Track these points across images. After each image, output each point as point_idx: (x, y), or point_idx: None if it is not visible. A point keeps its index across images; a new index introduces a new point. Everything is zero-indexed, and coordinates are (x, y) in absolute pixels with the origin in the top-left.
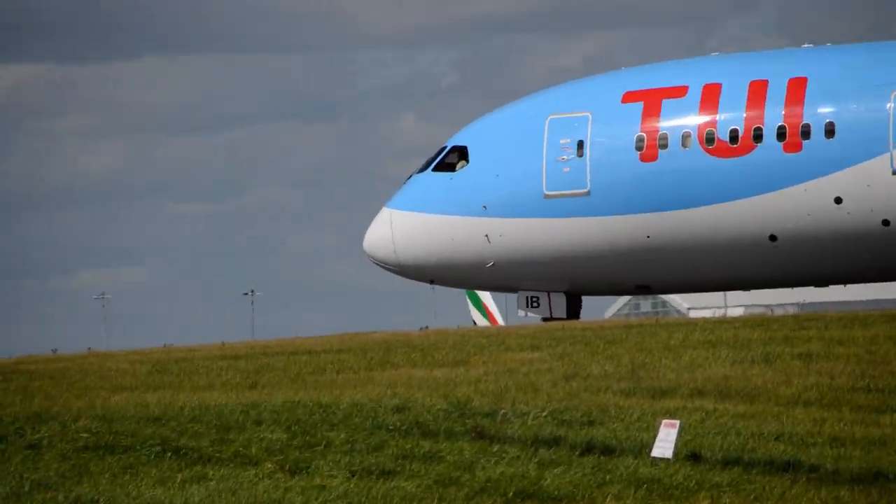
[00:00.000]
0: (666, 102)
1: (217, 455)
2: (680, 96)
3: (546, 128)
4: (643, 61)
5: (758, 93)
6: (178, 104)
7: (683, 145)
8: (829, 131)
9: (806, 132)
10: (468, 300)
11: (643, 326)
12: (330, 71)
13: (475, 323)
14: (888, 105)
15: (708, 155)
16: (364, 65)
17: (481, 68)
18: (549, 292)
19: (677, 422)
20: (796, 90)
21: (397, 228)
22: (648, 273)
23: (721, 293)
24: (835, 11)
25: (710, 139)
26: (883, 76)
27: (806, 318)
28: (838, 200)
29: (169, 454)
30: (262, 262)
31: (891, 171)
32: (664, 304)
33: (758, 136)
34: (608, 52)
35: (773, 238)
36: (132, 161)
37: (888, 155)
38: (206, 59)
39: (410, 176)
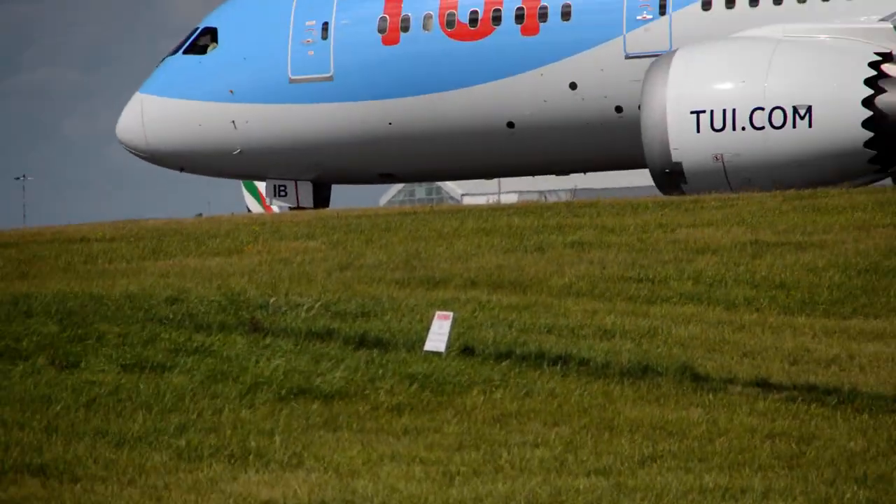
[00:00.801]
0: None
1: None
2: None
3: (293, 9)
4: None
5: None
6: None
7: (425, 28)
8: (566, 13)
9: (543, 14)
10: (243, 187)
11: (417, 214)
12: None
13: (250, 210)
14: None
15: (448, 38)
16: None
17: None
18: (296, 181)
19: (450, 314)
20: None
21: (148, 114)
22: (392, 161)
23: (495, 180)
24: None
25: (450, 22)
26: None
27: (579, 205)
28: (573, 86)
29: None
30: (35, 147)
31: (623, 55)
32: (438, 190)
33: (497, 18)
34: None
35: (510, 125)
36: None
37: (621, 38)
38: None
39: (164, 59)
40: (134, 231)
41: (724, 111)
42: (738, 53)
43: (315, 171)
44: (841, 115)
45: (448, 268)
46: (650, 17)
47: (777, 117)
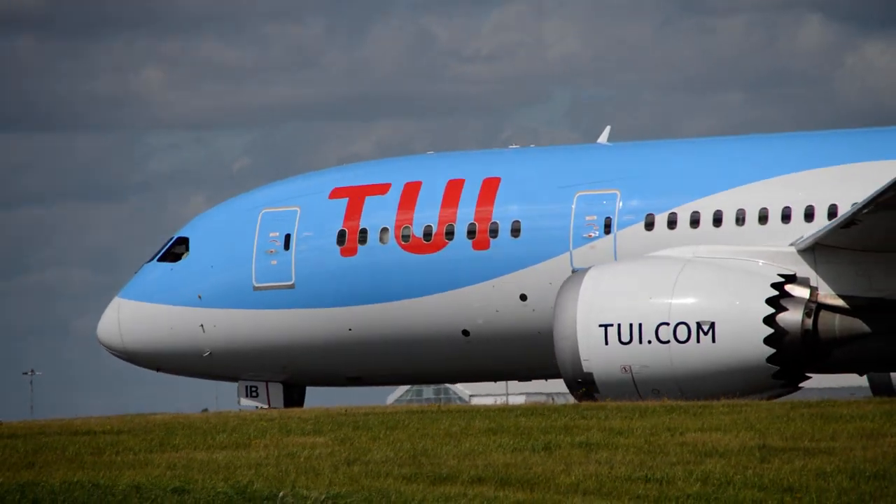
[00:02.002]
0: (369, 199)
1: None
2: (382, 193)
3: (258, 221)
4: (435, 148)
5: (454, 191)
6: None
7: (381, 241)
8: (516, 230)
9: (494, 231)
10: None
11: (425, 413)
12: (121, 152)
13: (257, 407)
14: (571, 206)
15: (403, 251)
16: (156, 147)
17: (273, 153)
18: (266, 382)
19: None
20: (489, 190)
21: (124, 317)
22: (355, 365)
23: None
24: (622, 106)
25: (405, 236)
26: (570, 178)
27: (586, 408)
28: (523, 297)
29: None
30: (44, 343)
31: (571, 269)
32: (446, 390)
33: (450, 233)
34: (402, 139)
35: (465, 333)
36: None
37: (568, 254)
38: None
39: (142, 265)
40: (141, 424)
41: (631, 325)
42: (646, 271)
43: (284, 373)
44: (743, 331)
45: (455, 465)
46: (596, 234)
47: (682, 332)
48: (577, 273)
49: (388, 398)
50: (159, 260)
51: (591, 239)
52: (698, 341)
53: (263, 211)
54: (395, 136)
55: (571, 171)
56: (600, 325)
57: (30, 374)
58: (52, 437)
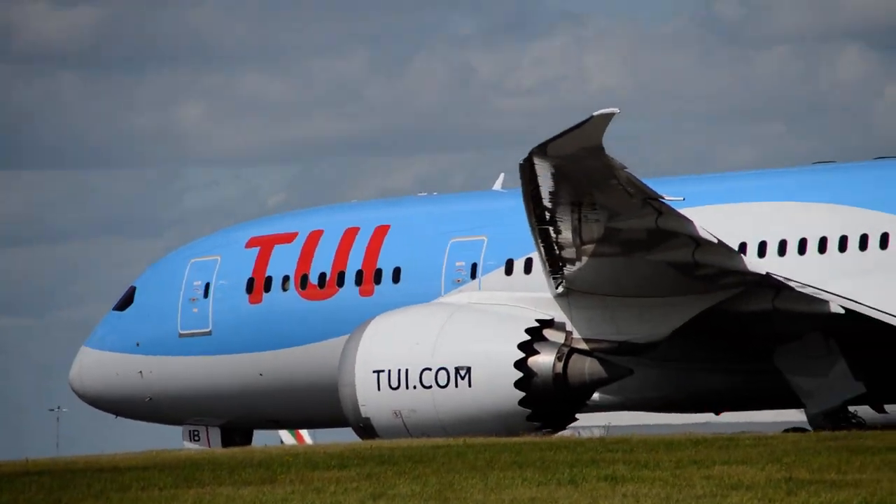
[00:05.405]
0: (277, 248)
1: None
2: (289, 242)
3: (187, 270)
4: (470, 185)
5: (349, 239)
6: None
7: (283, 288)
8: (396, 277)
9: (378, 277)
10: None
11: (450, 447)
12: (158, 188)
13: (282, 441)
14: (444, 252)
15: (301, 298)
16: (193, 183)
17: (311, 188)
18: (207, 426)
19: None
20: (378, 237)
21: (84, 364)
22: (272, 409)
23: None
24: (660, 137)
25: (303, 283)
26: (450, 224)
27: (612, 441)
28: None
29: None
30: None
31: None
32: None
33: (340, 280)
34: (440, 173)
35: None
36: None
37: (440, 299)
38: (32, 175)
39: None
40: (167, 461)
41: (399, 371)
42: (418, 319)
43: (220, 417)
44: (495, 375)
45: (482, 499)
46: (463, 279)
47: (442, 377)
48: (368, 319)
49: None
50: (115, 309)
51: (459, 284)
52: (457, 386)
53: (192, 261)
54: (435, 171)
55: (454, 217)
56: (374, 371)
57: (56, 410)
58: (77, 475)
